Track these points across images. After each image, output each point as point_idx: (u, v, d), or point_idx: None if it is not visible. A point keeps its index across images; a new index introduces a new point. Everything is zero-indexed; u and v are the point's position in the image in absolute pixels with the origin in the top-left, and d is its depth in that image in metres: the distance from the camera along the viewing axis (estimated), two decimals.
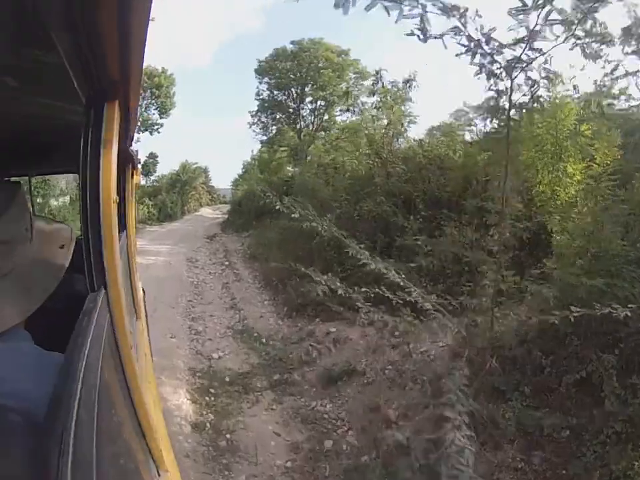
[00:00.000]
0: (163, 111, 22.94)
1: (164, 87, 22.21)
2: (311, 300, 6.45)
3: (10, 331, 0.63)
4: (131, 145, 1.89)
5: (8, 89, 0.98)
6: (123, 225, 2.13)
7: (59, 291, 0.73)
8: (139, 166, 3.34)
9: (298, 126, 20.00)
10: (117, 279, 0.76)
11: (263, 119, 21.39)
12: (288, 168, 24.17)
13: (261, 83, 21.18)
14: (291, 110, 20.75)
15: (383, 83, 10.10)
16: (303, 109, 20.52)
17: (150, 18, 0.62)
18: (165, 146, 60.63)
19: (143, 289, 3.16)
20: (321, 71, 18.75)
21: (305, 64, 19.23)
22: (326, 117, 19.51)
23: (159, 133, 23.30)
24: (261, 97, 21.51)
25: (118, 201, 0.90)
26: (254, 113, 22.00)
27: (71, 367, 0.54)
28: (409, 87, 10.30)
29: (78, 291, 0.84)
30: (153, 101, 22.59)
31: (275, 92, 20.75)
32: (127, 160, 2.19)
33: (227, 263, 11.32)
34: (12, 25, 0.66)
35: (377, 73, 10.28)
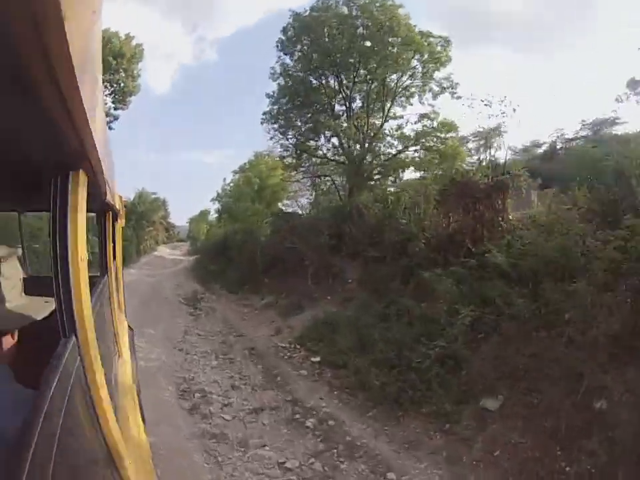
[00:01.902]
0: (120, 98, 15.07)
1: (127, 58, 14.37)
2: None
3: None
4: (106, 197, 1.70)
5: None
6: (104, 270, 2.29)
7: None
8: (122, 211, 3.05)
9: (345, 124, 12.31)
10: (86, 327, 0.86)
11: (281, 116, 13.01)
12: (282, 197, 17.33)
13: (287, 54, 13.05)
14: (330, 101, 12.73)
15: None
16: (354, 98, 12.51)
17: (102, 88, 0.77)
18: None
19: (130, 327, 3.13)
20: (395, 38, 11.44)
21: (369, 27, 11.57)
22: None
23: (110, 129, 15.32)
24: (285, 74, 13.08)
25: (87, 258, 0.93)
26: (274, 99, 13.40)
27: (39, 408, 0.58)
28: None
29: None
30: (109, 77, 14.23)
31: (310, 74, 12.59)
32: (104, 210, 2.22)
33: (316, 431, 4.10)
34: None
35: None
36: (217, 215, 22.51)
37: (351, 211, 8.69)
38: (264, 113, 13.57)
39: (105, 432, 0.92)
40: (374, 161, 12.32)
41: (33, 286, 1.05)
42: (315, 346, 6.13)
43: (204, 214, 30.71)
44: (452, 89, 12.23)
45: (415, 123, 12.72)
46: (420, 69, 12.06)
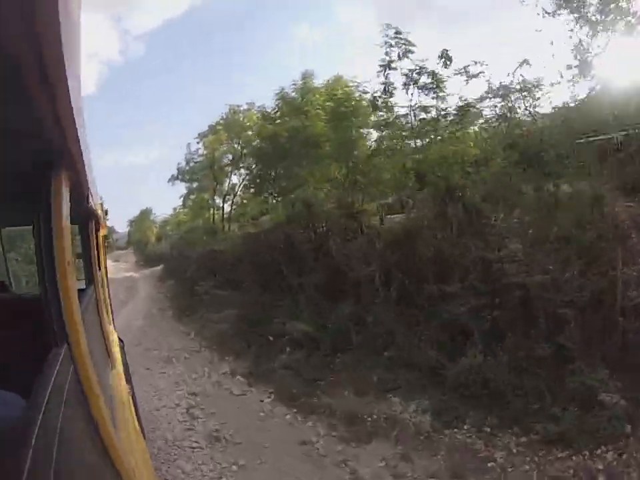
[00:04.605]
0: None
1: None
2: None
3: None
4: (89, 203, 1.69)
5: None
6: (90, 279, 2.22)
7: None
8: (103, 220, 3.00)
9: None
10: (79, 334, 0.81)
11: None
12: None
13: None
14: None
15: None
16: None
17: (80, 95, 0.69)
18: None
19: (120, 339, 3.11)
20: None
21: None
22: None
23: None
24: None
25: (75, 261, 0.89)
26: None
27: (32, 419, 0.55)
28: None
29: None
30: None
31: None
32: (88, 217, 2.17)
33: None
34: None
35: None
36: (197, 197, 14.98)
37: None
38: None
39: (104, 441, 0.87)
40: None
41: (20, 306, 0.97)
42: None
43: (146, 213, 27.77)
44: None
45: None
46: None
